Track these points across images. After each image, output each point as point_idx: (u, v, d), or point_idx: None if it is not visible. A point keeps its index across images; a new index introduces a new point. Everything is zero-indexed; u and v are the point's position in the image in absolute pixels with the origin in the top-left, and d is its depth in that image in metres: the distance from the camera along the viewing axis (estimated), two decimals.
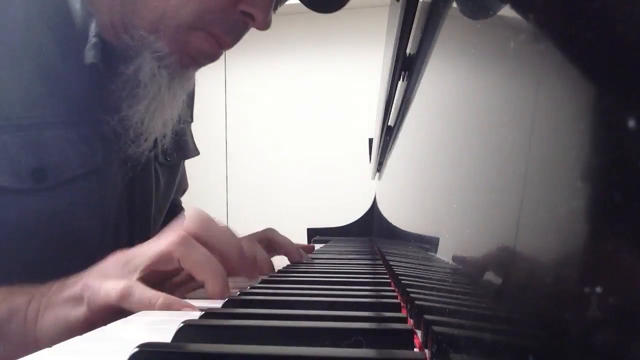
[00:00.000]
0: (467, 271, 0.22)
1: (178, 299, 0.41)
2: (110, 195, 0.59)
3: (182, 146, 0.74)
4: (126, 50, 0.55)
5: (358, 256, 0.84)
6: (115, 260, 0.45)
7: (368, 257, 0.84)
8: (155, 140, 0.64)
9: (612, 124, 0.10)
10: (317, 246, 1.29)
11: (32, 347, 0.36)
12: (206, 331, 0.29)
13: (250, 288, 0.47)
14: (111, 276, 0.43)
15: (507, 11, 0.18)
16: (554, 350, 0.12)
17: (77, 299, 0.42)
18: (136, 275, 0.43)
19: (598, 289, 0.10)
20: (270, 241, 0.66)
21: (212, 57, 0.59)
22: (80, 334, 0.36)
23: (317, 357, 0.24)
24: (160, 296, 0.40)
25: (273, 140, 2.46)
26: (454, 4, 0.29)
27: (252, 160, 2.50)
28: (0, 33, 0.50)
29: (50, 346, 0.28)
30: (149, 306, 0.40)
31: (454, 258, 0.24)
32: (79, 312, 0.42)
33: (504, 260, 0.17)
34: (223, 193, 2.52)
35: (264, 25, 0.56)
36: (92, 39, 0.54)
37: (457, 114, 0.27)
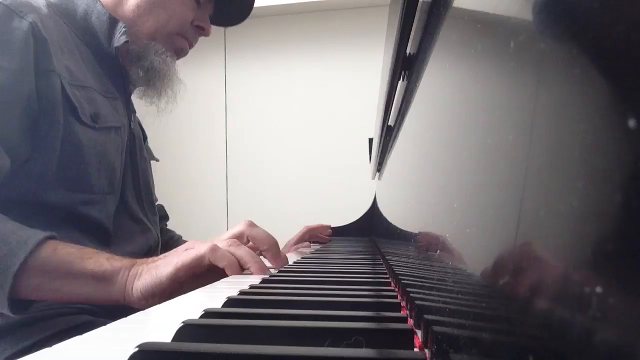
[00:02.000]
0: (467, 271, 0.22)
1: (252, 259, 0.64)
2: (124, 150, 0.87)
3: (148, 148, 1.06)
4: (136, 53, 0.89)
5: (358, 256, 0.84)
6: (193, 242, 0.67)
7: (368, 257, 0.83)
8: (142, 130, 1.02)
9: (613, 124, 0.10)
10: (317, 246, 1.29)
11: (125, 297, 0.63)
12: (206, 331, 0.29)
13: (250, 288, 0.48)
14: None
15: (507, 11, 0.18)
16: (554, 350, 0.12)
17: (167, 263, 0.62)
18: (221, 243, 0.65)
19: (598, 289, 0.10)
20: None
21: (185, 52, 0.96)
22: (163, 291, 0.61)
23: (317, 357, 0.24)
24: (235, 257, 0.63)
25: (273, 140, 2.46)
26: (454, 4, 0.29)
27: (252, 160, 2.50)
28: (61, 45, 0.78)
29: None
30: (227, 261, 0.62)
31: (454, 258, 0.24)
32: (167, 270, 0.61)
33: (504, 260, 0.17)
34: (223, 193, 2.52)
35: (209, 34, 0.96)
36: (122, 29, 0.85)
37: (457, 114, 0.27)
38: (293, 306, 0.37)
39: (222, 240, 0.68)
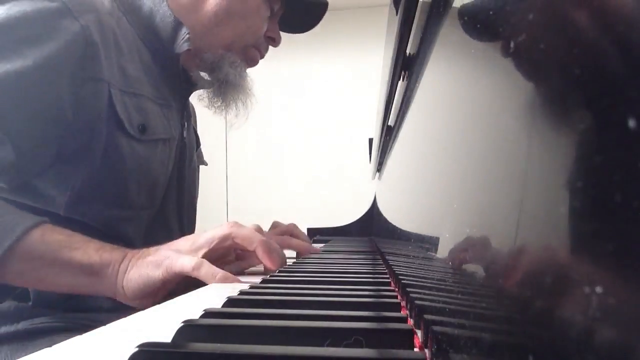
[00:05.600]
0: (467, 271, 0.22)
1: (231, 274, 0.58)
2: (170, 162, 0.84)
3: (199, 154, 1.03)
4: (210, 62, 0.86)
5: (358, 256, 0.84)
6: (185, 240, 0.64)
7: (368, 257, 0.84)
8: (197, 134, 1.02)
9: (612, 124, 0.10)
10: (317, 246, 1.29)
11: (116, 294, 0.61)
12: (206, 331, 0.29)
13: (250, 288, 0.48)
14: (182, 252, 0.61)
15: (506, 11, 0.18)
16: (554, 350, 0.12)
17: (157, 264, 0.59)
18: (202, 252, 0.61)
19: (598, 289, 0.10)
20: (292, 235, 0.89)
21: (255, 63, 0.93)
22: (155, 293, 0.60)
23: (317, 357, 0.24)
24: (220, 272, 0.58)
25: (273, 140, 2.46)
26: (454, 4, 0.29)
27: (251, 160, 2.50)
28: (124, 41, 0.76)
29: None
30: (212, 278, 0.57)
31: (454, 258, 0.24)
32: (157, 274, 0.59)
33: (504, 259, 0.17)
34: (223, 193, 2.52)
35: (279, 44, 0.94)
36: (186, 35, 0.81)
37: (457, 114, 0.27)
38: (293, 306, 0.37)
39: (206, 241, 0.62)
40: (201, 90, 0.92)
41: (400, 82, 0.58)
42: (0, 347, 0.64)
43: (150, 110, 0.78)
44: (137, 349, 0.24)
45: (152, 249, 0.63)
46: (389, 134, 0.82)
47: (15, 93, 0.63)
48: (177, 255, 0.60)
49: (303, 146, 2.44)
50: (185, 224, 0.89)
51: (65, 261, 0.59)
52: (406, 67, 0.53)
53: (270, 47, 0.93)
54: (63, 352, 0.28)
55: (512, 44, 0.17)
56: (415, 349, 0.29)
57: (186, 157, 0.90)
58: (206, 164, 1.06)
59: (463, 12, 0.26)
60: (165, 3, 0.81)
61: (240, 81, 0.89)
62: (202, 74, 0.89)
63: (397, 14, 0.46)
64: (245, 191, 2.49)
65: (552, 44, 0.13)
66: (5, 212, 0.59)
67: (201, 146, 1.05)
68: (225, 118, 0.93)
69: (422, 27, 0.40)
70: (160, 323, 0.36)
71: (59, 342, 0.59)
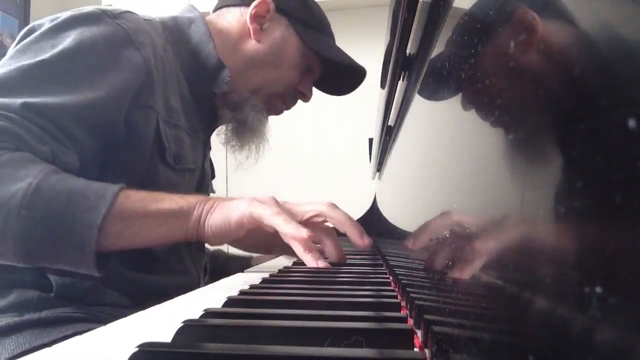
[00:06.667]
0: (467, 271, 0.22)
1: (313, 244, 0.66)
2: (192, 191, 0.85)
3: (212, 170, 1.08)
4: (234, 101, 0.89)
5: (358, 256, 0.84)
6: (271, 199, 0.68)
7: (368, 257, 0.83)
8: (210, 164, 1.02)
9: (612, 124, 0.10)
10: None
11: (199, 233, 0.66)
12: (206, 331, 0.29)
13: (250, 288, 0.48)
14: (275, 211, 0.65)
15: (507, 11, 0.18)
16: (554, 350, 0.12)
17: (238, 207, 0.65)
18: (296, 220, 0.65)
19: (598, 289, 0.10)
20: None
21: (279, 113, 0.98)
22: (230, 235, 0.66)
23: (317, 357, 0.24)
24: (305, 231, 0.62)
25: (273, 140, 2.45)
26: (454, 4, 0.29)
27: (251, 160, 2.50)
28: (170, 73, 0.79)
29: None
30: (286, 228, 0.62)
31: (454, 258, 0.24)
32: (235, 214, 0.65)
33: (504, 259, 0.17)
34: (223, 193, 2.51)
35: (309, 100, 0.98)
36: (227, 78, 0.84)
37: (457, 114, 0.27)
38: (293, 306, 0.37)
39: (300, 211, 0.70)
40: (222, 126, 0.95)
41: (400, 82, 0.58)
42: (25, 332, 0.65)
43: (185, 141, 0.81)
44: (137, 349, 0.24)
45: (239, 196, 0.69)
46: (389, 134, 0.82)
47: (82, 120, 0.65)
48: (255, 203, 0.65)
49: (303, 146, 2.44)
50: (194, 254, 0.88)
51: (154, 211, 0.64)
52: (406, 67, 0.53)
53: None
54: (63, 352, 0.28)
55: (512, 44, 0.17)
56: (415, 349, 0.29)
57: (203, 186, 0.93)
58: (214, 192, 1.08)
59: (463, 12, 0.26)
60: (211, 43, 0.84)
61: (257, 125, 0.91)
62: (226, 111, 0.91)
63: (397, 14, 0.46)
64: (245, 191, 2.49)
65: (552, 44, 0.13)
66: (89, 183, 0.62)
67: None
68: (235, 157, 0.96)
69: (422, 27, 0.40)
70: (160, 323, 0.36)
71: (81, 330, 0.60)
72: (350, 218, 0.72)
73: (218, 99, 0.89)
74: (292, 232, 0.62)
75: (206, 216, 0.66)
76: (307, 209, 0.72)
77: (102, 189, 0.61)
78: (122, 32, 0.70)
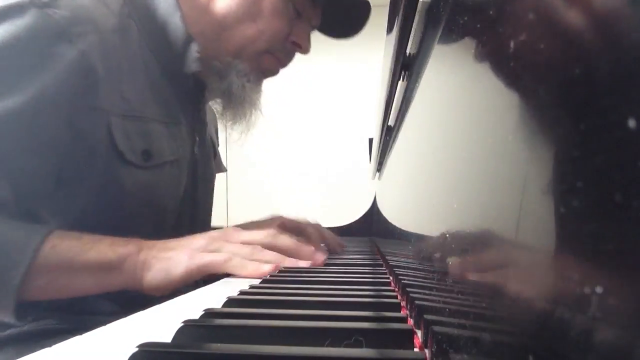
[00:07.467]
0: (466, 271, 0.22)
1: (263, 264, 0.60)
2: (181, 183, 0.78)
3: (217, 162, 0.98)
4: (217, 70, 0.78)
5: (358, 256, 0.84)
6: (210, 236, 0.63)
7: (368, 257, 0.84)
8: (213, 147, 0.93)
9: (612, 124, 0.10)
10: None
11: (137, 285, 0.60)
12: (206, 331, 0.29)
13: (250, 288, 0.48)
14: (207, 249, 0.61)
15: (506, 11, 0.18)
16: (554, 350, 0.12)
17: (179, 262, 0.59)
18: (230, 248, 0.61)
19: (598, 289, 0.10)
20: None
21: (275, 73, 0.84)
22: (174, 288, 0.59)
23: (317, 357, 0.24)
24: (253, 264, 0.59)
25: (273, 140, 2.45)
26: (454, 4, 0.29)
27: (251, 160, 2.50)
28: (128, 59, 0.69)
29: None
30: (244, 271, 0.58)
31: (454, 258, 0.24)
32: (179, 269, 0.59)
33: (504, 259, 0.17)
34: (223, 193, 2.51)
35: (307, 51, 0.82)
36: (195, 54, 0.74)
37: (457, 114, 0.27)
38: (293, 306, 0.37)
39: (251, 239, 0.63)
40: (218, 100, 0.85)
41: (400, 82, 0.58)
42: (7, 348, 0.62)
43: (156, 133, 0.72)
44: (137, 349, 0.24)
45: (172, 242, 0.63)
46: (389, 134, 0.82)
47: (10, 130, 0.59)
48: (202, 253, 0.60)
49: (303, 145, 2.44)
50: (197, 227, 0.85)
51: (82, 265, 0.58)
52: (406, 67, 0.53)
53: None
54: (63, 352, 0.28)
55: (512, 44, 0.17)
56: (415, 349, 0.29)
57: (198, 173, 0.84)
58: (225, 171, 1.00)
59: (463, 12, 0.26)
60: (179, 12, 0.74)
61: (244, 92, 0.79)
62: (214, 84, 0.81)
63: (397, 14, 0.46)
64: (245, 191, 2.49)
65: (552, 44, 0.13)
66: (7, 229, 0.57)
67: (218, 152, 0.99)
68: (226, 132, 0.87)
69: (422, 27, 0.40)
70: (160, 323, 0.36)
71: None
72: (295, 242, 0.66)
73: (203, 71, 0.78)
74: (251, 275, 0.58)
75: (141, 273, 0.60)
76: (257, 238, 0.64)
77: (23, 240, 0.56)
78: (51, 24, 0.60)
